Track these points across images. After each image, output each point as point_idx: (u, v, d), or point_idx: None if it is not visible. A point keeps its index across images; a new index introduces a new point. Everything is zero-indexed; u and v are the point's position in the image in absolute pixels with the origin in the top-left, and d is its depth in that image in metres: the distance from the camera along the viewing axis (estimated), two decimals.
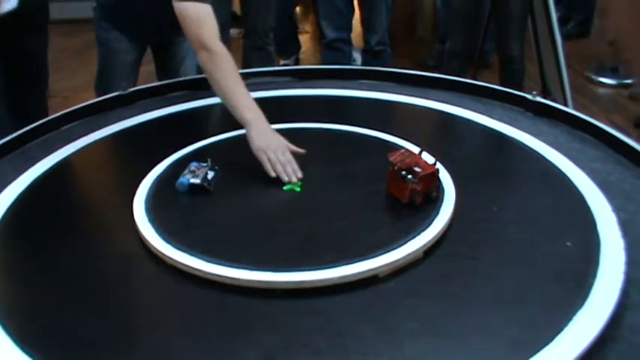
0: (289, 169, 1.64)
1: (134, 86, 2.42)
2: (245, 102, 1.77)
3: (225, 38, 3.72)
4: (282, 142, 1.69)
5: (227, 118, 1.80)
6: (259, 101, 2.12)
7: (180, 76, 2.46)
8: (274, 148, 1.66)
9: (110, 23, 2.48)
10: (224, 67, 1.84)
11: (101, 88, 2.57)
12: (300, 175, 1.64)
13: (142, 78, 2.59)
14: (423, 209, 1.46)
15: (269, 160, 1.64)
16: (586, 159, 1.70)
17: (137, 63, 2.58)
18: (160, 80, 2.59)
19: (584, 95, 4.21)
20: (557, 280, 1.29)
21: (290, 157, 1.66)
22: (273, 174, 1.63)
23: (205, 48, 1.86)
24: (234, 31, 5.22)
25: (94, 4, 2.51)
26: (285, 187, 1.61)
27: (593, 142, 1.79)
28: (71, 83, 4.57)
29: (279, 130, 1.74)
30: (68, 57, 5.27)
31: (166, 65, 2.69)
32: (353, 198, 1.54)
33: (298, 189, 1.60)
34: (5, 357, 1.13)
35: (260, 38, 3.80)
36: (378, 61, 3.78)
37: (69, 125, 2.02)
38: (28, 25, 2.63)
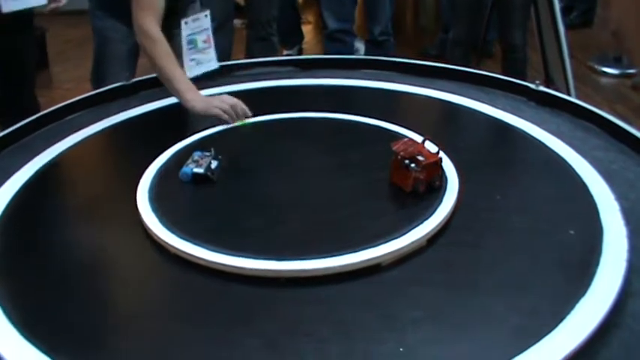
0: (239, 110, 1.87)
1: (133, 77, 2.42)
2: (185, 85, 1.94)
3: (229, 29, 3.73)
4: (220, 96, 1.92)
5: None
6: (262, 91, 2.13)
7: (130, 78, 2.37)
8: (218, 100, 1.88)
9: (105, 12, 2.46)
10: (164, 54, 1.96)
11: (97, 79, 2.56)
12: (249, 113, 1.88)
13: (143, 70, 2.58)
14: (426, 198, 1.46)
15: (223, 111, 1.86)
16: (589, 148, 1.69)
17: (133, 53, 2.56)
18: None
19: (587, 85, 4.21)
20: (560, 268, 1.29)
21: (234, 99, 1.86)
22: (232, 121, 1.85)
23: (147, 35, 1.96)
24: (237, 22, 5.21)
25: None
26: (237, 124, 1.85)
27: (596, 131, 1.79)
28: (75, 74, 4.58)
29: (282, 120, 1.74)
30: (73, 48, 5.28)
31: None
32: (356, 187, 1.54)
33: (249, 123, 1.86)
34: (9, 346, 1.13)
35: (263, 28, 3.80)
36: (382, 50, 3.78)
37: (72, 116, 2.02)
38: (14, 25, 2.62)
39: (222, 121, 1.85)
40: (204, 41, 2.24)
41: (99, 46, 2.58)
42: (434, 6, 5.53)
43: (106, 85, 2.22)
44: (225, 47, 3.72)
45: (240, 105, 1.86)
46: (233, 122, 1.82)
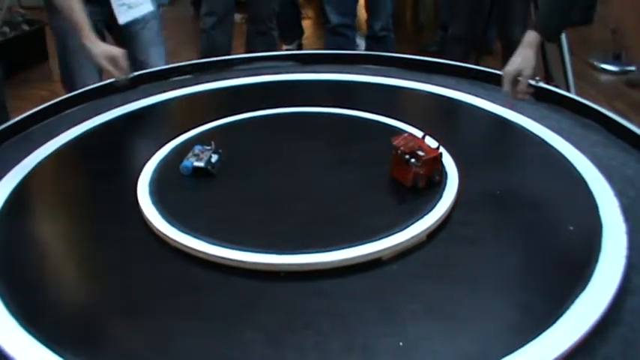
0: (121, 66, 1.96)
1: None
2: (84, 20, 1.99)
3: (229, 23, 3.72)
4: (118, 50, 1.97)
5: (230, 103, 1.80)
6: (262, 85, 2.13)
7: (146, 66, 2.38)
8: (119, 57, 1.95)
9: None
10: None
11: (66, 78, 2.54)
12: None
13: None
14: (426, 193, 1.46)
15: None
16: (588, 144, 1.70)
17: None
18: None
19: (587, 81, 4.21)
20: (558, 264, 1.29)
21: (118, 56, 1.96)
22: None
23: None
24: (237, 16, 5.21)
25: None
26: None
27: (596, 128, 1.79)
28: None
29: (282, 115, 1.74)
30: None
31: (129, 53, 2.61)
32: (356, 181, 1.55)
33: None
34: (9, 337, 1.14)
35: (264, 23, 3.80)
36: (382, 46, 3.77)
37: (72, 109, 2.02)
38: None
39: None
40: None
41: (60, 42, 2.55)
42: (432, 3, 5.53)
43: (77, 83, 2.22)
44: (225, 41, 3.72)
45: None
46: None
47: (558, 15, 1.66)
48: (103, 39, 2.48)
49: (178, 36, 5.19)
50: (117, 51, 1.94)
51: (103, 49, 1.94)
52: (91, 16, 2.34)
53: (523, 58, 1.58)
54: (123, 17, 2.25)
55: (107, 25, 2.53)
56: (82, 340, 1.14)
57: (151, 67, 2.28)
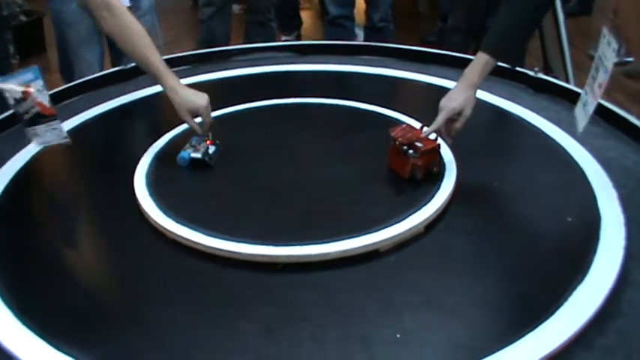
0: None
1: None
2: (162, 65, 1.69)
3: (227, 14, 3.72)
4: (204, 102, 1.66)
5: (228, 94, 1.79)
6: (261, 76, 2.12)
7: (128, 62, 2.31)
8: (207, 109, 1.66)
9: None
10: (135, 27, 1.70)
11: (66, 71, 2.53)
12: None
13: None
14: (424, 184, 1.46)
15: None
16: (587, 135, 1.69)
17: (96, 31, 2.52)
18: (113, 65, 2.56)
19: (586, 72, 4.20)
20: (557, 256, 1.29)
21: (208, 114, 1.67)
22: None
23: (108, 7, 1.66)
24: (235, 7, 5.19)
25: None
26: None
27: (595, 119, 1.78)
28: None
29: (280, 105, 1.73)
30: None
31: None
32: (354, 172, 1.54)
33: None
34: (7, 331, 1.13)
35: (262, 14, 3.79)
36: (381, 37, 3.76)
37: (69, 100, 2.01)
38: None
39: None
40: None
41: (60, 31, 2.53)
42: None
43: (76, 73, 2.20)
44: (223, 32, 3.71)
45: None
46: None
47: (518, 33, 1.57)
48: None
49: (177, 26, 5.17)
50: (201, 102, 1.65)
51: (185, 99, 1.65)
52: None
53: (466, 97, 1.52)
54: None
55: None
56: (79, 331, 1.14)
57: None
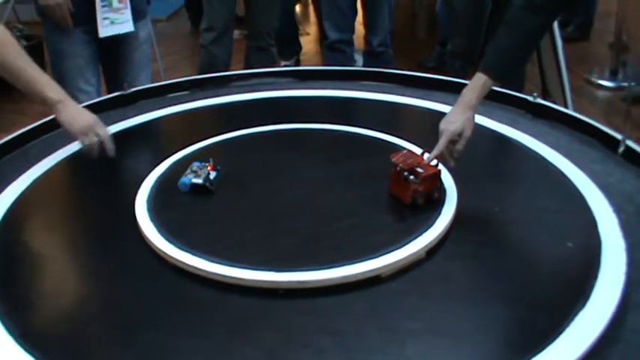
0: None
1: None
2: (43, 80, 1.64)
3: (229, 39, 3.74)
4: (95, 119, 1.64)
5: (228, 119, 1.80)
6: (261, 102, 2.13)
7: (129, 86, 2.27)
8: (95, 127, 1.64)
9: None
10: (7, 43, 1.63)
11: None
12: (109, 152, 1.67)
13: None
14: (425, 210, 1.46)
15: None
16: (586, 160, 1.70)
17: (93, 59, 2.51)
18: (109, 92, 2.53)
19: (584, 97, 4.22)
20: (558, 281, 1.29)
21: (105, 131, 1.65)
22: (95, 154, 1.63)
23: None
24: (235, 33, 5.21)
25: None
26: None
27: (594, 144, 1.79)
28: None
29: (280, 131, 1.74)
30: None
31: (118, 77, 2.57)
32: (355, 198, 1.54)
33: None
34: (5, 354, 1.13)
35: (263, 39, 3.81)
36: (380, 62, 3.78)
37: None
38: None
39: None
40: (120, 1, 2.28)
41: (55, 63, 2.51)
42: (426, 18, 5.53)
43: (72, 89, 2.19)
44: (224, 57, 3.72)
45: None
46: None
47: (516, 54, 1.58)
48: (96, 54, 2.49)
49: (176, 52, 5.19)
50: (90, 120, 1.65)
51: (77, 123, 1.63)
52: (85, 31, 2.36)
53: (465, 119, 1.53)
54: (104, 31, 2.27)
55: (98, 41, 2.52)
56: (77, 356, 1.14)
57: (132, 86, 2.27)
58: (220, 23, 3.67)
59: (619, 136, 1.73)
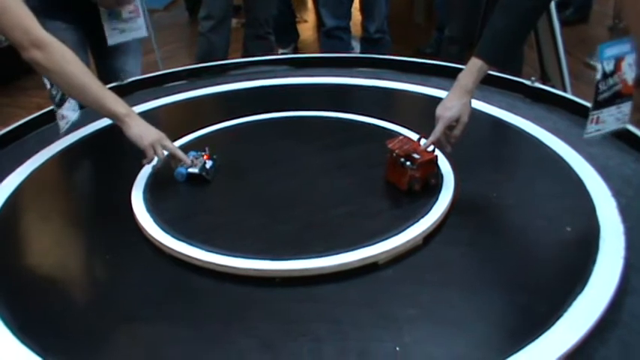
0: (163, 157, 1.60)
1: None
2: (109, 95, 1.61)
3: (226, 27, 3.73)
4: (160, 133, 1.61)
5: (225, 108, 1.79)
6: (258, 90, 2.12)
7: (124, 75, 2.28)
8: (163, 141, 1.60)
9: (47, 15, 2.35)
10: (71, 60, 1.59)
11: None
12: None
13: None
14: (421, 196, 1.45)
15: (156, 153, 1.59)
16: (585, 144, 1.68)
17: (81, 50, 2.39)
18: (102, 81, 2.50)
19: (583, 81, 4.20)
20: (556, 266, 1.29)
21: (172, 144, 1.62)
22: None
23: (38, 44, 1.54)
24: (233, 21, 5.20)
25: None
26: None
27: None
28: None
29: (277, 119, 1.73)
30: None
31: (107, 62, 2.49)
32: (351, 185, 1.54)
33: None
34: (2, 345, 1.13)
35: (262, 27, 3.80)
36: (377, 48, 3.77)
37: None
38: None
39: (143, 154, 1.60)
40: (130, 12, 2.25)
41: None
42: (425, 3, 5.51)
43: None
44: (222, 45, 3.71)
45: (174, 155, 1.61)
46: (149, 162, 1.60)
47: (511, 38, 1.56)
48: (84, 47, 2.46)
49: (173, 42, 5.18)
50: (159, 134, 1.60)
51: (145, 137, 1.58)
52: (70, 21, 2.33)
53: (462, 104, 1.51)
54: (112, 39, 2.25)
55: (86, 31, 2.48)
56: (77, 347, 1.14)
57: (128, 76, 2.25)
58: (218, 11, 3.66)
59: None
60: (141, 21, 2.27)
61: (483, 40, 1.54)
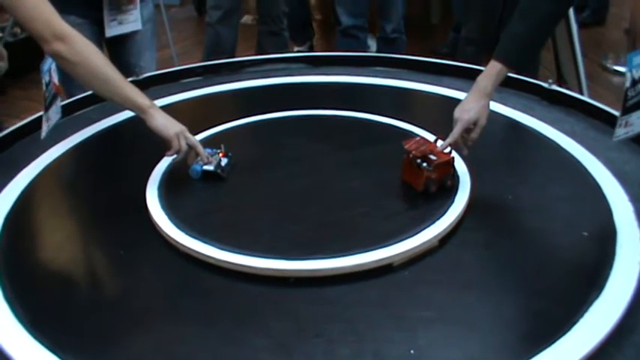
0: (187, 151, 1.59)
1: None
2: (131, 88, 1.61)
3: (235, 20, 3.72)
4: (182, 126, 1.60)
5: (240, 105, 1.79)
6: (273, 88, 2.11)
7: (139, 70, 2.27)
8: (185, 133, 1.59)
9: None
10: (93, 52, 1.59)
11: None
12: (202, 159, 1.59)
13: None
14: (437, 197, 1.44)
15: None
16: (602, 148, 1.68)
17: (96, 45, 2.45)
18: None
19: (600, 84, 4.18)
20: (572, 270, 1.28)
21: (194, 137, 1.61)
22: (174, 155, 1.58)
23: (60, 36, 1.53)
24: (248, 18, 5.20)
25: None
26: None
27: (609, 131, 1.77)
28: None
29: (293, 117, 1.73)
30: None
31: (122, 57, 2.48)
32: (367, 185, 1.53)
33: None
34: (14, 341, 1.13)
35: (274, 23, 3.80)
36: (393, 48, 3.76)
37: (83, 111, 2.01)
38: None
39: (167, 147, 1.59)
40: (129, 2, 2.29)
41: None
42: (441, 3, 5.50)
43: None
44: (230, 36, 3.70)
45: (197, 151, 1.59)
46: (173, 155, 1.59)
47: (530, 41, 1.55)
48: (99, 42, 2.46)
49: (188, 38, 5.18)
50: (182, 127, 1.59)
51: (170, 128, 1.57)
52: (85, 16, 2.33)
53: (481, 107, 1.51)
54: (110, 31, 2.27)
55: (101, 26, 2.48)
56: (90, 344, 1.14)
57: (143, 71, 2.26)
58: (227, 2, 3.65)
59: None
60: (136, 14, 2.29)
61: (503, 43, 1.53)
